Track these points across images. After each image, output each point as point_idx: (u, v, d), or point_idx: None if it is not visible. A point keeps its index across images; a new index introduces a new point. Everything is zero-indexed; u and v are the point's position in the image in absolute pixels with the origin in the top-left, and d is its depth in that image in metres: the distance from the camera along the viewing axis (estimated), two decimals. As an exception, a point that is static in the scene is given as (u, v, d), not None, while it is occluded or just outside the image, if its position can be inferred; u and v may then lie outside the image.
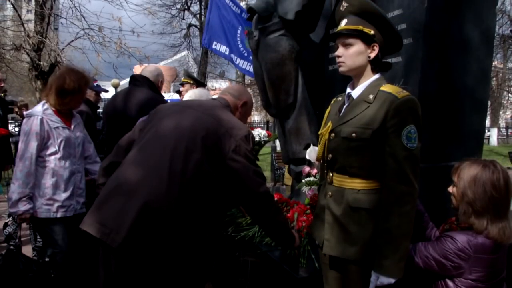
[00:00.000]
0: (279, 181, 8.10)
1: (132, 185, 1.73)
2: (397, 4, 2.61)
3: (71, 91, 2.73)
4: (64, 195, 2.69)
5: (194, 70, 18.90)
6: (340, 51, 1.69)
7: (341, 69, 1.71)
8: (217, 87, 28.18)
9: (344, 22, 1.70)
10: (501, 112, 28.72)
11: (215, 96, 2.35)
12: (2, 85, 4.31)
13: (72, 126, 2.85)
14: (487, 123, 26.81)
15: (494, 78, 22.01)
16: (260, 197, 1.88)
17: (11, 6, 9.87)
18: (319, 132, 1.84)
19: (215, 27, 5.97)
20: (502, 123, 31.47)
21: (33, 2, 9.78)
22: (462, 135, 2.65)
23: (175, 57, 21.88)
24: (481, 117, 2.77)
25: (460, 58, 2.58)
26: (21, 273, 2.60)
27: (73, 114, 2.94)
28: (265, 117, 31.57)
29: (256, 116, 37.03)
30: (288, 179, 7.77)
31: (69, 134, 2.78)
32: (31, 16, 10.99)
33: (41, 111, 2.69)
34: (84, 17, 9.07)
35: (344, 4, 1.73)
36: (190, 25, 18.45)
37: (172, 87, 27.81)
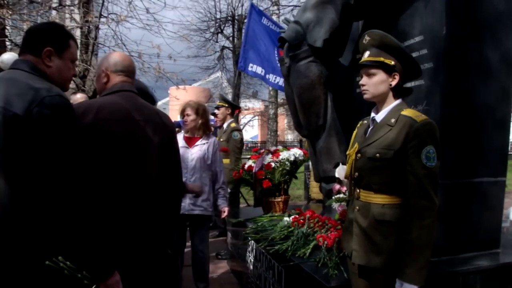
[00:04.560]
0: (312, 199, 8.21)
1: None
2: (418, 31, 2.79)
3: None
4: None
5: (228, 91, 19.35)
6: (364, 80, 1.88)
7: (365, 96, 1.90)
8: (250, 106, 28.60)
9: (367, 54, 1.90)
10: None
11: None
12: None
13: (192, 146, 3.51)
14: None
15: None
16: None
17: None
18: (347, 153, 2.02)
19: (251, 50, 6.13)
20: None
21: (78, 32, 10.44)
22: (485, 153, 2.76)
23: (209, 79, 22.46)
24: (504, 135, 2.86)
25: (480, 79, 2.71)
26: None
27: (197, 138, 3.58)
28: (298, 136, 31.61)
29: (289, 135, 37.19)
30: (315, 194, 7.88)
31: (185, 151, 3.43)
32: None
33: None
34: (125, 45, 9.62)
35: (367, 37, 1.93)
36: (223, 48, 18.97)
37: (206, 108, 28.36)
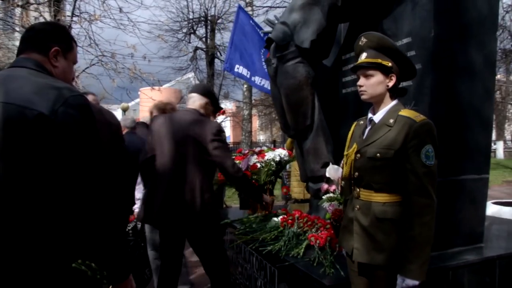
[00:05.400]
0: (290, 199, 8.26)
1: None
2: (406, 33, 2.86)
3: None
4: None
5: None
6: (362, 81, 1.91)
7: (363, 97, 1.93)
8: (223, 107, 28.43)
9: (364, 55, 1.93)
10: (506, 125, 28.88)
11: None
12: None
13: None
14: (493, 136, 26.97)
15: (498, 92, 22.20)
16: None
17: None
18: (345, 153, 2.04)
19: (237, 51, 6.15)
20: (507, 136, 31.57)
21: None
22: (471, 151, 2.86)
23: (181, 79, 22.23)
24: (487, 134, 2.98)
25: (466, 80, 2.81)
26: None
27: None
28: (271, 136, 31.69)
29: (261, 136, 37.30)
30: (296, 194, 7.92)
31: None
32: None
33: None
34: (97, 45, 9.42)
35: (364, 39, 1.96)
36: (196, 48, 18.82)
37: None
